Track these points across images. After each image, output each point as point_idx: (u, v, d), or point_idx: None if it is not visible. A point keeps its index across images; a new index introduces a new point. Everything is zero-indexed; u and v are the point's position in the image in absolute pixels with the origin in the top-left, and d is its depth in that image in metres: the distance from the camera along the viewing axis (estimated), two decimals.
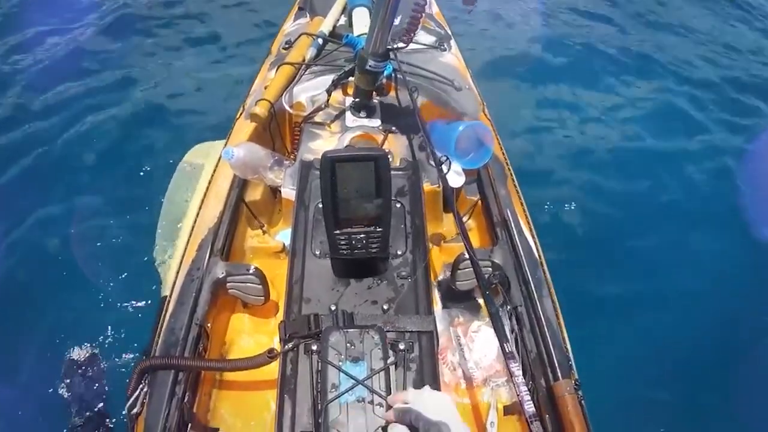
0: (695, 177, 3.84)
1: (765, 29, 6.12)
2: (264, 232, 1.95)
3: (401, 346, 1.33)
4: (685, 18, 6.00)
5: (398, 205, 1.61)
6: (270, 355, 1.33)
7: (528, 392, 1.21)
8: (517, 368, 1.24)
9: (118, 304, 2.61)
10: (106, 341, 2.46)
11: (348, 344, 1.25)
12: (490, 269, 1.67)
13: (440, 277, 1.78)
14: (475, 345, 1.73)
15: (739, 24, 6.13)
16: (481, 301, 1.77)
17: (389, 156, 1.80)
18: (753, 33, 6.01)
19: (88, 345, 2.43)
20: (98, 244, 2.91)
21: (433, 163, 1.83)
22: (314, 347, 1.31)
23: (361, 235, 1.39)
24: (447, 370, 1.66)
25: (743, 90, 4.94)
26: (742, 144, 4.24)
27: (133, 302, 2.61)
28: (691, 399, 2.57)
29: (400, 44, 1.80)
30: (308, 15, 2.61)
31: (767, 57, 5.55)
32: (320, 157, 1.30)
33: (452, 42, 2.48)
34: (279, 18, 2.92)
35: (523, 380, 1.23)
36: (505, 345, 1.27)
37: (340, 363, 1.21)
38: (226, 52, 4.69)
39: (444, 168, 1.66)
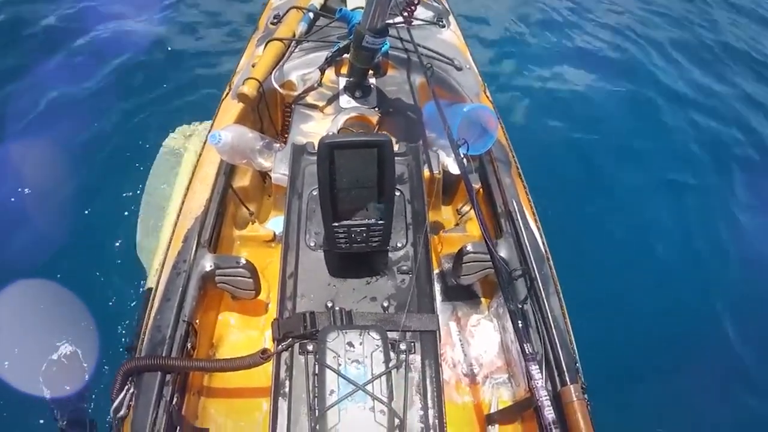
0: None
1: None
2: (254, 221, 1.85)
3: (402, 347, 1.25)
4: None
5: (398, 194, 1.51)
6: (263, 355, 1.23)
7: (548, 398, 1.14)
8: (536, 371, 1.17)
9: (99, 298, 2.47)
10: (88, 339, 2.31)
11: (347, 346, 1.16)
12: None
13: (438, 270, 1.69)
14: (475, 340, 1.67)
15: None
16: (480, 296, 1.69)
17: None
18: None
19: (69, 343, 2.28)
20: (75, 232, 2.73)
21: (432, 148, 1.74)
22: (310, 347, 1.22)
23: (362, 228, 1.29)
24: (446, 367, 1.60)
25: None
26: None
27: (116, 295, 2.47)
28: (689, 400, 2.53)
29: (400, 19, 1.69)
30: None
31: None
32: (317, 143, 1.19)
33: (451, 18, 2.37)
34: None
35: (543, 384, 1.16)
36: (525, 345, 1.21)
37: (339, 366, 1.12)
38: (215, 25, 4.47)
39: (462, 152, 1.54)
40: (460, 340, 1.65)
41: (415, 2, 1.61)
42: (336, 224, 1.28)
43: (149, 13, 4.46)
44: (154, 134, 2.97)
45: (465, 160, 1.72)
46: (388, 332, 1.22)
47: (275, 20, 2.19)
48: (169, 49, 4.16)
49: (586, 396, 1.30)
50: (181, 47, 4.18)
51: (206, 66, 3.90)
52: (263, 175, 1.91)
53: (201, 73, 3.84)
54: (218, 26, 4.43)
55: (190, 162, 1.96)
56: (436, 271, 1.69)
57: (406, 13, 1.63)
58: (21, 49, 3.97)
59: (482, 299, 1.74)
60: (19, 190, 2.92)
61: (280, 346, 1.23)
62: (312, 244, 1.42)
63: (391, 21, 1.67)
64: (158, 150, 2.73)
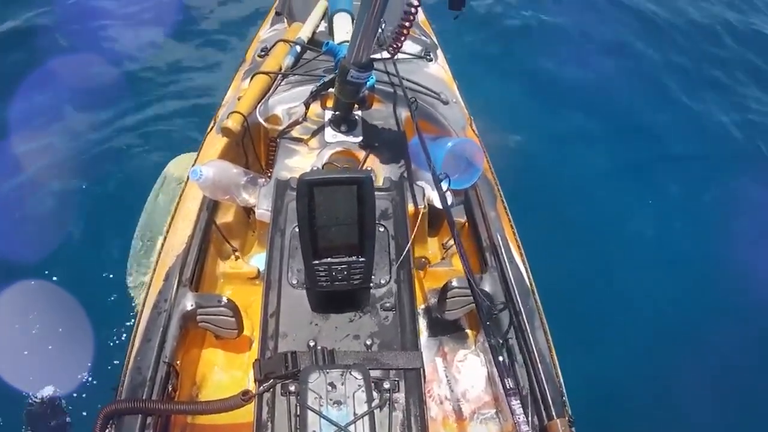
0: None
1: None
2: (237, 257, 1.83)
3: (386, 385, 1.23)
4: None
5: (381, 230, 1.51)
6: (244, 397, 1.21)
7: None
8: (518, 406, 1.15)
9: (86, 337, 2.39)
10: (73, 380, 2.25)
11: (329, 386, 1.14)
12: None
13: (423, 306, 1.68)
14: (462, 375, 1.65)
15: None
16: (466, 331, 1.68)
17: (372, 176, 1.69)
18: None
19: (51, 385, 2.22)
20: (65, 264, 2.67)
21: (417, 182, 1.73)
22: (292, 388, 1.20)
23: (342, 266, 1.28)
24: (433, 404, 1.58)
25: None
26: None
27: (104, 334, 2.40)
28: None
29: (386, 54, 1.69)
30: (286, 20, 2.49)
31: None
32: (297, 179, 1.19)
33: (439, 52, 2.38)
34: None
35: (525, 419, 1.14)
36: (506, 381, 1.18)
37: (321, 407, 1.10)
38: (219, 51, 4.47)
39: (444, 186, 1.54)
40: (447, 376, 1.63)
41: (402, 37, 1.60)
42: (316, 262, 1.27)
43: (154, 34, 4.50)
44: (155, 160, 2.93)
45: (449, 194, 1.73)
46: (371, 371, 1.20)
47: (262, 53, 2.19)
48: (177, 71, 4.17)
49: (573, 429, 1.30)
50: (191, 69, 4.18)
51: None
52: (247, 211, 1.89)
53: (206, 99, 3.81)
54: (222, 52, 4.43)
55: (176, 198, 1.94)
56: (422, 306, 1.68)
57: (392, 48, 1.62)
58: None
59: (469, 333, 1.73)
60: (10, 215, 2.89)
61: (261, 387, 1.21)
62: (294, 281, 1.41)
63: (377, 55, 1.67)
64: (157, 178, 2.69)
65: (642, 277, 3.14)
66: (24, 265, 2.63)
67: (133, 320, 2.10)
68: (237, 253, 1.83)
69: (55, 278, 2.61)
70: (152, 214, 2.55)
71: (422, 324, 1.69)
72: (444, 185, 1.50)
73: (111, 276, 2.55)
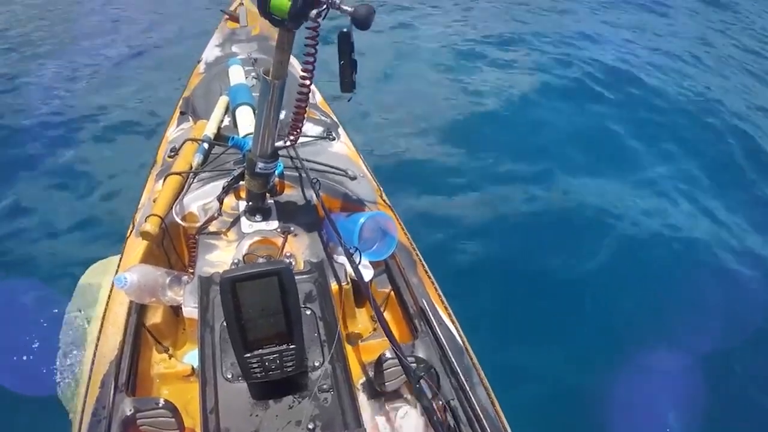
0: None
1: None
2: (170, 356, 1.81)
3: None
4: None
5: (308, 312, 1.54)
6: None
7: None
8: None
9: None
10: None
11: None
12: (415, 365, 1.61)
13: (363, 380, 1.71)
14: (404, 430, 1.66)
15: None
16: (409, 397, 1.71)
17: (291, 260, 1.74)
18: None
19: None
20: None
21: (337, 260, 1.79)
22: None
23: (274, 355, 1.31)
24: None
25: None
26: None
27: None
28: None
29: (287, 142, 1.76)
30: (191, 119, 2.55)
31: None
32: (220, 277, 1.23)
33: (341, 130, 2.49)
34: None
35: None
36: None
37: None
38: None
39: (356, 258, 1.62)
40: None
41: (300, 123, 1.68)
42: (248, 355, 1.29)
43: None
44: (73, 268, 2.89)
45: (369, 266, 1.80)
46: None
47: (172, 153, 2.24)
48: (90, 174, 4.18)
49: None
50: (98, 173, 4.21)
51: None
52: (176, 309, 1.89)
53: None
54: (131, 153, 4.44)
55: (104, 300, 1.92)
56: (361, 380, 1.71)
57: (292, 136, 1.70)
58: None
59: (409, 397, 1.76)
60: None
61: None
62: (229, 375, 1.42)
63: (280, 143, 1.75)
64: (75, 286, 2.63)
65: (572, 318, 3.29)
66: None
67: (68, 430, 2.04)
68: (170, 352, 1.81)
69: None
70: (72, 324, 2.48)
71: (362, 399, 1.70)
72: (356, 258, 1.57)
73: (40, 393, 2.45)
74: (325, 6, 1.34)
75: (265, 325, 1.28)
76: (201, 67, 3.18)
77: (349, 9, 1.32)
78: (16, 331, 2.88)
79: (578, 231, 3.98)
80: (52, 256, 3.43)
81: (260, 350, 1.30)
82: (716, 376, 2.98)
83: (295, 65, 2.75)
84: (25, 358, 2.73)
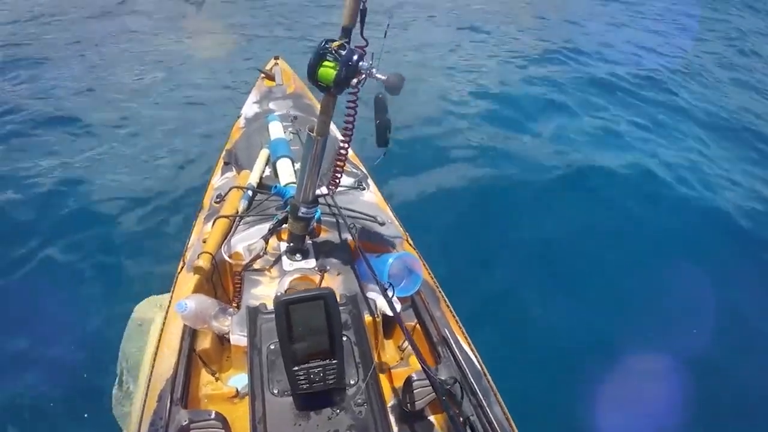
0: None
1: None
2: (217, 379, 2.01)
3: None
4: None
5: (344, 338, 1.74)
6: None
7: None
8: None
9: None
10: None
11: None
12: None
13: (391, 403, 1.89)
14: None
15: None
16: (432, 418, 1.88)
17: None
18: None
19: None
20: (52, 400, 2.85)
21: (368, 295, 2.00)
22: None
23: (318, 369, 1.52)
24: None
25: None
26: None
27: None
28: None
29: (326, 190, 2.01)
30: (234, 169, 2.82)
31: None
32: (268, 304, 1.45)
33: (370, 181, 2.75)
34: None
35: None
36: None
37: None
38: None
39: (389, 293, 1.81)
40: None
41: (339, 176, 1.93)
42: (296, 368, 1.51)
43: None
44: (124, 304, 3.09)
45: (397, 300, 2.00)
46: None
47: (218, 199, 2.49)
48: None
49: None
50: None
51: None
52: (221, 338, 2.10)
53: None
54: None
55: (157, 329, 2.14)
56: (391, 403, 1.89)
57: (332, 185, 1.95)
58: None
59: (433, 419, 1.92)
60: None
61: None
62: (275, 391, 1.62)
63: (318, 191, 1.98)
64: (129, 318, 2.85)
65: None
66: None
67: None
68: (216, 375, 2.01)
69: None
70: (127, 350, 2.70)
71: (391, 420, 1.88)
72: (389, 293, 1.78)
73: (102, 410, 2.66)
74: (364, 76, 1.59)
75: (311, 342, 1.50)
76: (241, 121, 3.49)
77: (383, 77, 1.55)
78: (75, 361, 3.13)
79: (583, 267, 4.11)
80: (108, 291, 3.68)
81: (306, 364, 1.52)
82: (709, 374, 3.10)
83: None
84: (81, 379, 2.99)
